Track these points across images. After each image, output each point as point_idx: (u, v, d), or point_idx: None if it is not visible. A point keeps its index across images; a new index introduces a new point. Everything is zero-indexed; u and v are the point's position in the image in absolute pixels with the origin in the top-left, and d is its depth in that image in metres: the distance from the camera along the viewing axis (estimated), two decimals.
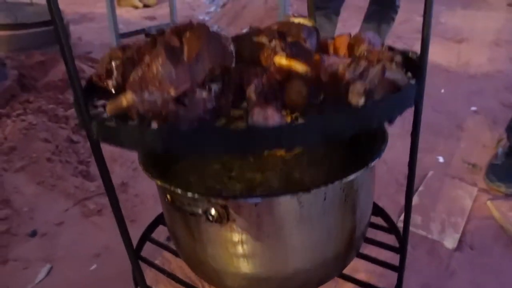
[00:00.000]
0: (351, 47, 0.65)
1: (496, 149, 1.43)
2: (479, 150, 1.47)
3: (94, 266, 0.90)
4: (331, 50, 0.69)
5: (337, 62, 0.56)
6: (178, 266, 0.92)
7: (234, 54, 0.52)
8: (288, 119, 0.47)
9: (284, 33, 0.62)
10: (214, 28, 0.47)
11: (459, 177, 1.29)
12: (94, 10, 3.61)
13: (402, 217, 1.05)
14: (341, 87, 0.34)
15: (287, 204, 0.46)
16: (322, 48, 0.69)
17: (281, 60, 0.48)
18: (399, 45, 2.76)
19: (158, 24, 3.06)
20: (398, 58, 0.54)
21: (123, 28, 2.91)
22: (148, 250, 0.74)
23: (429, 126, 1.62)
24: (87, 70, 1.91)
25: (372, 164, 0.49)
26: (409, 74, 0.57)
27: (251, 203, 0.44)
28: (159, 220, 0.80)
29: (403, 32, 2.79)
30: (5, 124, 1.24)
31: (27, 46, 2.13)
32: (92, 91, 0.56)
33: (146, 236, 0.77)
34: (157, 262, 0.94)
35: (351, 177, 0.47)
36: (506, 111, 1.78)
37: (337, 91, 0.35)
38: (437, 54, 2.52)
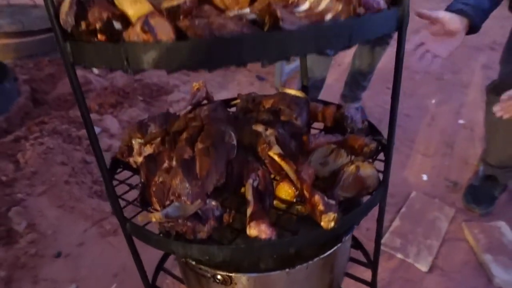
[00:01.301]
0: (336, 120, 0.77)
1: (478, 167, 1.54)
2: (462, 167, 1.58)
3: (114, 286, 1.04)
4: (319, 118, 0.80)
5: (322, 141, 0.68)
6: None
7: (236, 145, 0.62)
8: (280, 212, 0.59)
9: (278, 112, 0.73)
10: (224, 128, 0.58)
11: (440, 196, 1.41)
12: None
13: (384, 241, 1.18)
14: (317, 213, 0.46)
15: (277, 274, 0.58)
16: (313, 115, 0.80)
17: (274, 156, 0.59)
18: (394, 48, 2.83)
19: None
20: (373, 145, 0.65)
21: None
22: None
23: (417, 142, 1.73)
24: (94, 80, 2.00)
25: (347, 238, 0.62)
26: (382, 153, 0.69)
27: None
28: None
29: None
30: (24, 148, 1.35)
31: (34, 53, 2.19)
32: (117, 165, 0.68)
33: (160, 267, 0.90)
34: (167, 281, 1.08)
35: (329, 252, 0.59)
36: None
37: (314, 213, 0.47)
38: None
